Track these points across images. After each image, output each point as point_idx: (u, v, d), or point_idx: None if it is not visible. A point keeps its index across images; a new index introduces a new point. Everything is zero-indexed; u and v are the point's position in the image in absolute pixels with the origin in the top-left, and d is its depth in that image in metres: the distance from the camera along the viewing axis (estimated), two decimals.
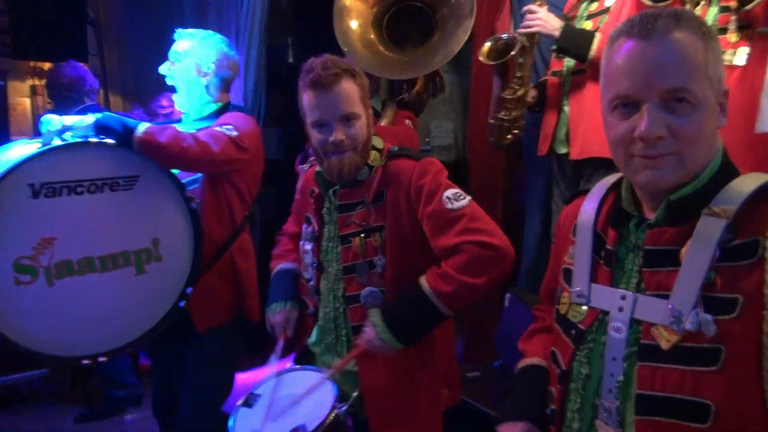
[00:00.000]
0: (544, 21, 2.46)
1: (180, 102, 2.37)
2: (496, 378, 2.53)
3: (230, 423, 1.62)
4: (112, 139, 1.95)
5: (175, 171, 2.12)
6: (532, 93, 2.65)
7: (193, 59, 2.30)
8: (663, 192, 1.04)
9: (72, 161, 1.89)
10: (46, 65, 3.62)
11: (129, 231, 2.00)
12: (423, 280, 1.62)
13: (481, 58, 2.52)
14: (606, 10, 2.49)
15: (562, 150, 2.61)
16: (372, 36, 2.78)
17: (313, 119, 1.67)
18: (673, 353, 0.98)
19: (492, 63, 2.49)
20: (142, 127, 1.96)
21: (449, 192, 1.64)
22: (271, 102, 3.79)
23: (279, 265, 2.01)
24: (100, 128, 1.94)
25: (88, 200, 1.91)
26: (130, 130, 1.93)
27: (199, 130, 2.15)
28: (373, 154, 1.76)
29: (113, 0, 3.78)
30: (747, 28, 2.00)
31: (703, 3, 2.18)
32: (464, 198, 1.65)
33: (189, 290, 2.09)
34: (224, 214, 2.27)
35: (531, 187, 3.16)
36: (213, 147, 2.06)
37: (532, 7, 2.51)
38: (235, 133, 2.15)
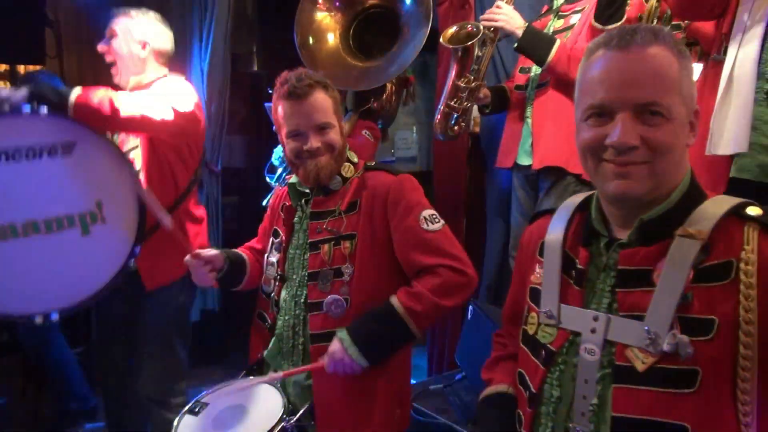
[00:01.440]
0: (508, 17, 2.50)
1: (120, 79, 2.39)
2: (459, 391, 2.54)
3: (173, 429, 1.59)
4: (47, 104, 1.96)
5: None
6: (485, 91, 2.68)
7: (128, 33, 2.34)
8: (632, 208, 1.07)
9: (8, 130, 1.93)
10: (2, 66, 3.52)
11: (71, 195, 2.04)
12: (394, 299, 1.64)
13: (443, 41, 2.54)
14: (571, 27, 2.55)
15: (526, 161, 2.65)
16: (337, 45, 2.79)
17: (288, 129, 1.72)
18: (649, 375, 0.99)
19: (452, 46, 2.51)
20: (75, 91, 1.99)
21: (426, 212, 1.70)
22: (234, 110, 3.76)
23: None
24: (34, 97, 1.95)
25: (26, 166, 1.96)
26: (63, 96, 1.96)
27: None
28: (347, 166, 1.79)
29: (72, 2, 3.68)
30: (695, 45, 2.10)
31: (655, 23, 2.26)
32: (439, 221, 1.71)
33: (137, 250, 2.14)
34: (167, 179, 2.32)
35: (492, 201, 3.20)
36: (149, 109, 2.11)
37: (500, 2, 2.55)
38: (173, 96, 2.20)
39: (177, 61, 2.65)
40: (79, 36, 3.70)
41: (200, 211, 2.51)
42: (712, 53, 1.93)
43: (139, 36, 2.35)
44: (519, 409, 1.22)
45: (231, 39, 3.40)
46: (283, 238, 1.84)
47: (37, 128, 1.97)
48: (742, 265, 0.96)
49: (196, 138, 2.40)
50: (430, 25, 2.55)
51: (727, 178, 1.81)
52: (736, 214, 1.01)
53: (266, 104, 2.46)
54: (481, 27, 2.52)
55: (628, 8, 2.33)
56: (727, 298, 0.96)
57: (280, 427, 1.56)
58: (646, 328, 1.00)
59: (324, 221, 1.76)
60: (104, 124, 2.08)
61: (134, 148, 2.30)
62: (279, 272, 1.84)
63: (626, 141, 1.00)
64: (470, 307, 2.61)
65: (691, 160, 1.82)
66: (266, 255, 1.91)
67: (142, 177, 2.23)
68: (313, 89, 1.69)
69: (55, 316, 2.02)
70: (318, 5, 2.79)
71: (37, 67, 3.26)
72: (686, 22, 2.13)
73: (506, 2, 2.55)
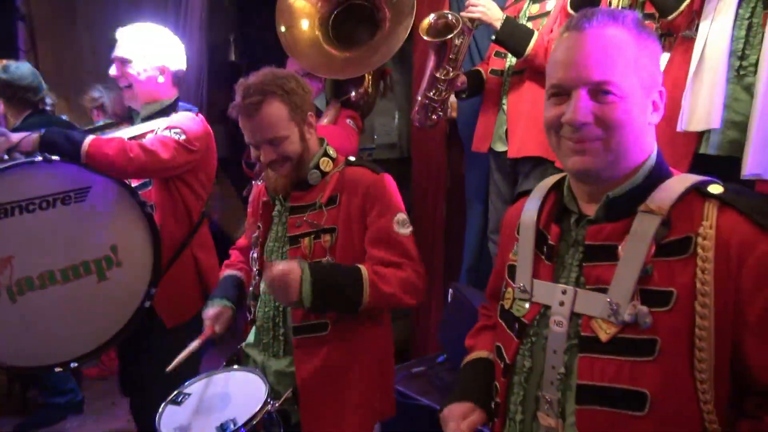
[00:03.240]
0: (486, 8, 2.49)
1: (131, 100, 2.37)
2: (441, 373, 2.58)
3: (156, 420, 1.61)
4: (59, 154, 1.97)
5: None
6: (462, 78, 2.69)
7: (144, 56, 2.28)
8: (597, 185, 1.11)
9: (21, 181, 1.93)
10: None
11: (86, 241, 2.05)
12: (363, 268, 1.68)
13: (421, 33, 2.53)
14: (547, 14, 2.56)
15: (501, 148, 2.68)
16: (317, 33, 2.78)
17: (246, 140, 1.73)
18: (612, 345, 1.04)
19: (431, 40, 2.51)
20: (88, 140, 1.98)
21: (400, 216, 1.75)
22: (214, 100, 3.75)
23: (226, 272, 2.04)
24: (46, 144, 1.96)
25: (41, 216, 1.96)
26: (76, 145, 1.97)
27: (147, 136, 2.19)
28: (326, 161, 1.79)
29: None
30: (669, 36, 2.11)
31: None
32: (409, 227, 1.78)
33: (153, 291, 2.16)
34: (180, 212, 2.31)
35: (471, 184, 3.23)
36: (162, 154, 2.10)
37: None
38: (183, 137, 2.18)
39: None
40: (53, 29, 3.66)
41: (210, 240, 2.50)
42: (683, 30, 1.95)
43: (157, 62, 2.29)
44: (495, 380, 1.26)
45: (207, 29, 3.38)
46: (262, 232, 1.86)
47: (49, 177, 1.98)
48: (699, 240, 1.00)
49: (207, 171, 2.39)
50: (413, 17, 2.56)
51: (693, 155, 1.85)
52: (698, 191, 1.05)
53: None
54: (459, 18, 2.51)
55: None
56: (685, 271, 1.00)
57: (264, 411, 1.58)
58: (609, 299, 1.04)
59: (303, 215, 1.77)
60: (118, 173, 2.07)
61: (147, 185, 2.28)
62: (258, 267, 1.86)
63: (577, 118, 1.05)
64: (450, 290, 2.65)
65: (658, 136, 1.88)
66: (251, 252, 1.93)
67: (156, 214, 2.22)
68: (260, 104, 1.64)
69: (74, 365, 2.04)
70: None
71: (11, 61, 3.19)
72: (664, 19, 2.11)
73: None
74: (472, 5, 2.51)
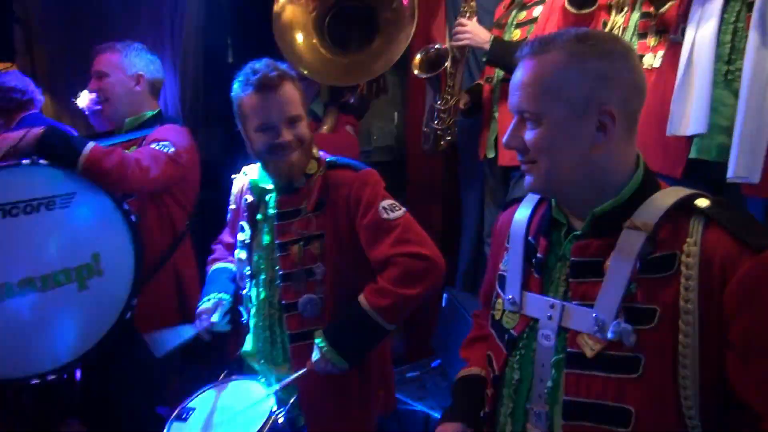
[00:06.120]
0: (474, 34, 2.53)
1: (112, 115, 2.36)
2: (435, 377, 2.58)
3: None
4: (56, 156, 1.94)
5: None
6: (465, 99, 2.72)
7: (120, 69, 2.31)
8: (565, 203, 1.15)
9: (5, 183, 1.88)
10: None
11: (68, 248, 1.99)
12: (362, 298, 1.65)
13: (414, 71, 2.58)
14: (534, 20, 2.57)
15: (492, 154, 2.69)
16: (314, 40, 2.78)
17: (258, 122, 1.65)
18: (597, 361, 1.04)
19: (425, 76, 2.55)
20: (87, 149, 1.96)
21: (385, 202, 1.69)
22: (212, 103, 3.73)
23: (215, 264, 2.01)
24: (43, 145, 1.92)
25: (24, 221, 1.90)
26: (75, 152, 1.94)
27: (138, 148, 2.18)
28: (312, 162, 1.77)
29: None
30: (665, 33, 2.10)
31: (626, 9, 2.27)
32: (399, 209, 1.70)
33: (134, 302, 2.11)
34: (165, 224, 2.30)
35: (466, 189, 3.24)
36: (153, 170, 2.10)
37: (462, 20, 2.58)
38: (172, 150, 2.18)
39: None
40: (49, 32, 3.65)
41: (191, 252, 2.48)
42: (670, 34, 1.94)
43: (132, 71, 2.32)
44: (487, 389, 1.27)
45: (204, 32, 3.37)
46: (249, 235, 1.84)
47: (34, 181, 1.93)
48: (683, 257, 1.00)
49: (193, 183, 2.39)
50: (415, 23, 2.56)
51: (686, 160, 1.85)
52: (684, 206, 1.04)
53: None
54: (447, 47, 2.57)
55: None
56: (669, 289, 1.00)
57: (271, 421, 1.58)
58: (595, 315, 1.05)
59: (290, 221, 1.75)
60: (111, 186, 2.05)
61: (130, 195, 2.25)
62: (249, 268, 1.84)
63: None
64: (445, 296, 2.64)
65: (651, 141, 1.89)
66: (236, 250, 1.91)
67: (139, 223, 2.17)
68: (283, 79, 1.64)
69: (51, 378, 1.98)
70: None
71: (7, 65, 3.20)
72: (660, 11, 2.13)
73: (468, 18, 2.58)
74: (459, 33, 2.55)
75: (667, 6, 2.08)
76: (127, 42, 2.39)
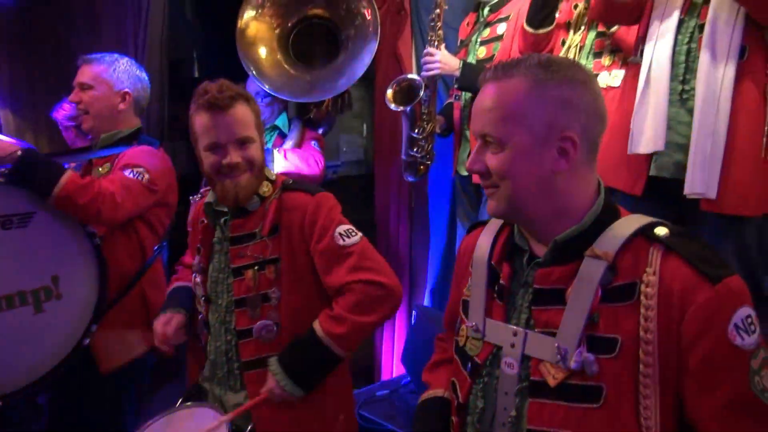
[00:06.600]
0: (444, 63, 2.56)
1: (89, 129, 2.28)
2: (405, 396, 2.56)
3: None
4: (31, 182, 1.86)
5: None
6: (440, 122, 2.75)
7: (107, 84, 2.22)
8: (527, 228, 1.15)
9: None
10: None
11: (25, 270, 1.92)
12: (317, 324, 1.63)
13: (390, 105, 2.59)
14: (499, 38, 2.60)
15: (465, 172, 2.70)
16: (278, 56, 2.77)
17: (207, 142, 1.63)
18: (560, 390, 1.04)
19: (401, 109, 2.57)
20: (63, 181, 1.87)
21: (341, 228, 1.67)
22: (176, 115, 3.69)
23: (176, 284, 1.96)
24: (23, 167, 1.84)
25: None
26: (50, 181, 1.86)
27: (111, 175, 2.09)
28: (266, 184, 1.74)
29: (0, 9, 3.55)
30: (618, 52, 2.17)
31: (583, 28, 2.32)
32: (356, 235, 1.69)
33: (93, 327, 2.03)
34: (134, 247, 2.20)
35: (435, 205, 3.25)
36: (127, 204, 2.02)
37: (431, 49, 2.60)
38: (146, 177, 2.10)
39: None
40: (10, 48, 3.56)
41: (162, 276, 2.36)
42: (630, 56, 1.99)
43: (119, 87, 2.23)
44: (451, 415, 1.25)
45: (169, 44, 3.33)
46: (203, 258, 1.80)
47: None
48: (642, 287, 1.00)
49: (168, 207, 2.30)
50: (378, 39, 2.56)
51: (646, 177, 1.88)
52: (644, 234, 1.05)
53: None
54: (418, 77, 2.60)
55: (558, 14, 2.37)
56: (630, 318, 1.00)
57: None
58: (557, 344, 1.05)
59: (245, 245, 1.71)
60: (84, 220, 1.98)
61: None
62: (203, 294, 1.80)
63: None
64: (414, 312, 2.63)
65: (615, 159, 1.92)
66: (193, 274, 1.87)
67: (106, 247, 2.09)
68: (234, 101, 1.61)
69: (6, 401, 1.88)
70: (257, 13, 2.75)
71: None
72: (610, 31, 2.18)
73: (436, 47, 2.60)
74: (429, 63, 2.58)
75: (616, 26, 2.14)
76: (117, 56, 2.29)
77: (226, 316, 1.73)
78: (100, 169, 2.18)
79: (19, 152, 1.84)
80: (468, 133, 2.68)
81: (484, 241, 1.26)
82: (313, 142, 2.76)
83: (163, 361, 2.25)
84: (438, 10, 2.60)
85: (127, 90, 2.24)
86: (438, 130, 2.71)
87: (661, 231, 1.03)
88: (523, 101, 1.05)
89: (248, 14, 2.71)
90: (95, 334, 2.04)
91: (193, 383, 1.86)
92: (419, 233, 3.40)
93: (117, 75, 2.23)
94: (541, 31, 2.34)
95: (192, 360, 1.90)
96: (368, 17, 2.60)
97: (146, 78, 2.35)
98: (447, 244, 3.11)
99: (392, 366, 3.32)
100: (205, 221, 1.79)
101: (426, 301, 3.14)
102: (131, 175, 2.07)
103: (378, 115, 3.47)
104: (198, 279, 1.81)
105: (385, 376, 3.30)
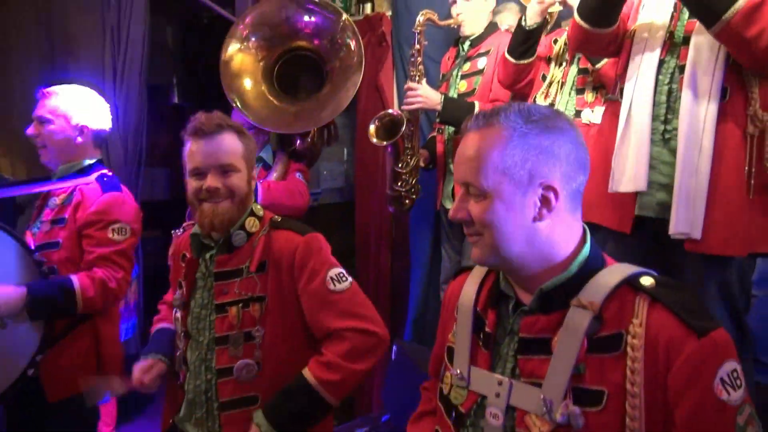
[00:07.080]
0: (425, 97, 2.59)
1: (48, 162, 2.24)
2: None
3: None
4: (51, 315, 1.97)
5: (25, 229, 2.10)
6: (424, 155, 2.76)
7: (64, 118, 2.18)
8: (514, 277, 1.13)
9: None
10: None
11: None
12: (307, 372, 1.60)
13: (372, 140, 2.59)
14: (479, 72, 2.63)
15: (449, 205, 2.71)
16: (263, 88, 2.76)
17: (191, 167, 1.65)
18: None
19: (385, 144, 2.58)
20: (79, 299, 1.97)
21: (333, 272, 1.66)
22: (156, 142, 3.64)
23: (159, 325, 1.92)
24: (36, 306, 1.92)
25: None
26: (69, 299, 1.95)
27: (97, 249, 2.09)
28: (252, 220, 1.72)
29: None
30: (601, 88, 2.20)
31: (564, 64, 2.35)
32: (347, 280, 1.67)
33: (38, 358, 1.97)
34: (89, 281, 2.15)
35: (416, 237, 3.24)
36: (110, 283, 2.04)
37: (412, 84, 2.62)
38: (127, 236, 2.11)
39: None
40: None
41: (116, 308, 2.30)
42: (608, 93, 2.01)
43: (77, 120, 2.19)
44: None
45: (149, 70, 3.30)
46: (185, 293, 1.75)
47: None
48: (629, 338, 0.99)
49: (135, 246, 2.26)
50: (362, 71, 2.57)
51: (633, 216, 1.88)
52: (629, 284, 1.04)
53: None
54: (399, 112, 2.63)
55: (539, 48, 2.40)
56: (616, 369, 0.99)
57: None
58: (543, 396, 1.03)
59: (230, 281, 1.68)
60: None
61: (54, 245, 2.10)
62: (183, 329, 1.75)
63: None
64: (394, 347, 2.60)
65: (598, 195, 1.92)
66: (173, 309, 1.82)
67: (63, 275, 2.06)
68: (222, 129, 1.64)
69: None
70: (242, 45, 2.73)
71: None
72: (595, 67, 2.20)
73: (417, 82, 2.62)
74: (411, 98, 2.60)
75: (602, 62, 2.16)
76: (76, 87, 2.26)
77: (207, 353, 1.69)
78: (57, 200, 2.15)
79: (25, 294, 1.88)
80: (452, 166, 2.68)
81: (469, 287, 1.25)
82: (297, 174, 2.74)
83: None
84: (418, 46, 2.63)
85: (84, 124, 2.21)
86: (422, 164, 2.72)
87: (647, 281, 1.03)
88: (504, 151, 1.05)
89: (233, 47, 2.70)
90: (41, 364, 1.98)
91: (167, 426, 1.80)
92: (400, 262, 3.38)
93: (75, 108, 2.20)
94: (523, 61, 2.37)
95: (168, 398, 1.85)
96: (353, 48, 2.60)
97: (107, 108, 2.32)
98: (428, 275, 3.10)
99: (371, 401, 3.27)
100: (188, 255, 1.76)
101: (406, 332, 3.11)
102: (115, 237, 2.09)
103: (358, 145, 3.47)
104: (178, 314, 1.76)
105: (364, 412, 3.23)
